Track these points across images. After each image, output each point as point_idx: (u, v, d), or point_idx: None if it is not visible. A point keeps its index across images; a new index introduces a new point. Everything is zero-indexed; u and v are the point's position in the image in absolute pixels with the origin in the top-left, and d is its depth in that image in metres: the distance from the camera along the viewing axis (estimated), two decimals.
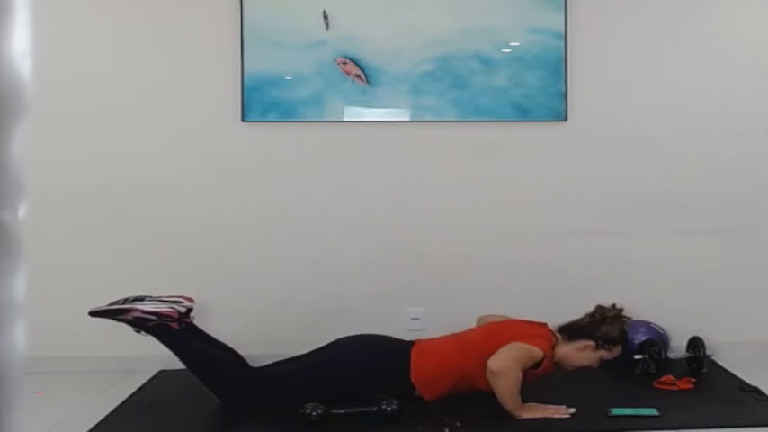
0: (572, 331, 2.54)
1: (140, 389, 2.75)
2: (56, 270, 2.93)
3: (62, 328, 2.66)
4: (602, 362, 2.54)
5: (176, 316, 2.48)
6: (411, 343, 2.56)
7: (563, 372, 2.56)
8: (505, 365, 2.33)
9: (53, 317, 2.68)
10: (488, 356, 2.38)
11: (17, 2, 0.58)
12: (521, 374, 2.35)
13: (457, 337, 2.58)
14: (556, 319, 3.20)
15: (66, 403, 2.59)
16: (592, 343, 2.50)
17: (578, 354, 2.51)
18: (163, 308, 2.47)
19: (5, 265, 0.57)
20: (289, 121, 3.10)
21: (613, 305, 2.58)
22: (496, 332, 2.53)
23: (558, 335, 2.55)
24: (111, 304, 2.46)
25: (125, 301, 2.48)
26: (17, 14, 0.58)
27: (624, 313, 2.57)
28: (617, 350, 2.55)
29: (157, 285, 2.88)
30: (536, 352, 2.39)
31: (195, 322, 2.61)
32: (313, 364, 2.51)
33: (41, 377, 2.71)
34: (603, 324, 2.52)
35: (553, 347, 2.50)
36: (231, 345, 2.66)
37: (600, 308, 2.58)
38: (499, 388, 2.35)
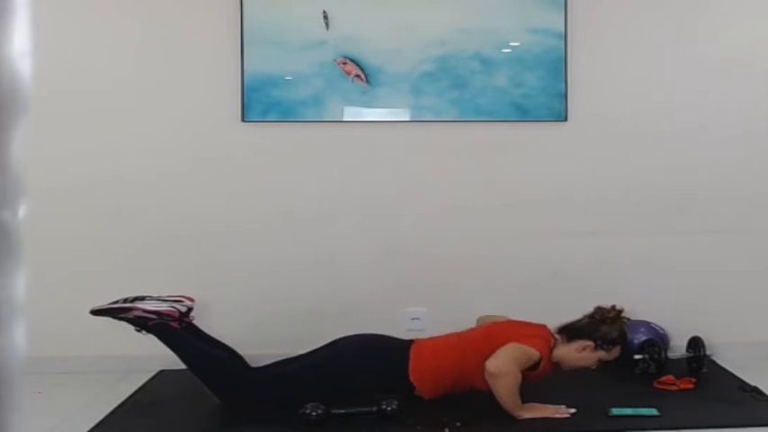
0: (571, 332, 2.54)
1: (140, 389, 2.75)
2: (56, 270, 2.93)
3: (62, 328, 2.67)
4: (601, 363, 2.54)
5: (177, 315, 2.49)
6: (410, 342, 2.56)
7: (561, 372, 2.56)
8: (504, 367, 2.33)
9: (53, 317, 2.68)
10: (487, 357, 2.38)
11: (17, 2, 0.58)
12: (519, 375, 2.36)
13: (457, 336, 2.58)
14: (556, 319, 3.19)
15: (66, 403, 2.60)
16: (591, 344, 2.50)
17: (577, 354, 2.51)
18: (164, 307, 2.48)
19: (5, 265, 0.57)
20: (289, 121, 3.10)
21: (613, 306, 2.58)
22: (496, 332, 2.53)
23: (556, 336, 2.55)
24: (112, 303, 2.48)
25: (126, 300, 2.49)
26: (17, 14, 0.58)
27: (624, 314, 2.57)
28: (616, 351, 2.54)
29: (157, 285, 2.88)
30: (533, 353, 2.39)
31: (196, 322, 2.61)
32: (312, 365, 2.51)
33: (41, 377, 2.71)
34: (603, 324, 2.52)
35: (551, 349, 2.49)
36: (231, 344, 2.66)
37: (599, 309, 2.58)
38: (498, 389, 2.35)
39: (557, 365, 2.52)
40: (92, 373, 2.91)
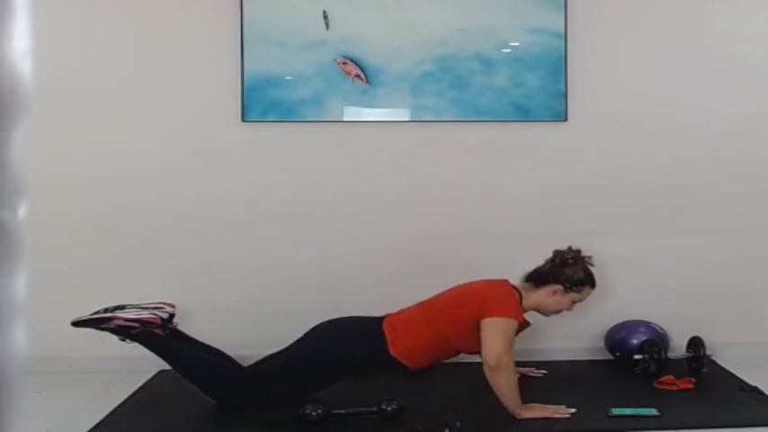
0: (538, 278, 2.60)
1: (140, 389, 2.75)
2: (55, 270, 2.93)
3: (62, 328, 2.65)
4: (574, 304, 2.61)
5: (159, 322, 2.49)
6: (381, 318, 2.57)
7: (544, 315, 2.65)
8: (504, 357, 2.35)
9: (53, 317, 2.68)
10: (455, 321, 2.46)
11: (17, 2, 0.58)
12: (514, 364, 2.38)
13: (422, 305, 2.59)
14: (557, 320, 3.19)
15: (66, 403, 2.60)
16: (560, 287, 2.56)
17: (549, 300, 2.58)
18: (144, 315, 2.48)
19: (5, 265, 0.57)
20: (289, 121, 3.10)
21: (570, 247, 2.63)
22: (459, 297, 2.55)
23: (522, 285, 2.61)
24: (92, 314, 2.48)
25: (106, 310, 2.49)
26: (17, 14, 0.58)
27: (584, 254, 2.62)
28: (587, 291, 2.61)
29: (157, 285, 2.89)
30: (513, 323, 2.42)
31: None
32: (297, 355, 2.52)
33: (41, 377, 2.71)
34: (566, 267, 2.58)
35: (520, 302, 2.54)
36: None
37: (558, 252, 2.63)
38: (499, 383, 2.35)
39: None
40: (92, 373, 2.91)
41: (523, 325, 2.55)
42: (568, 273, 2.57)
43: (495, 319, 2.41)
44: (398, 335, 2.49)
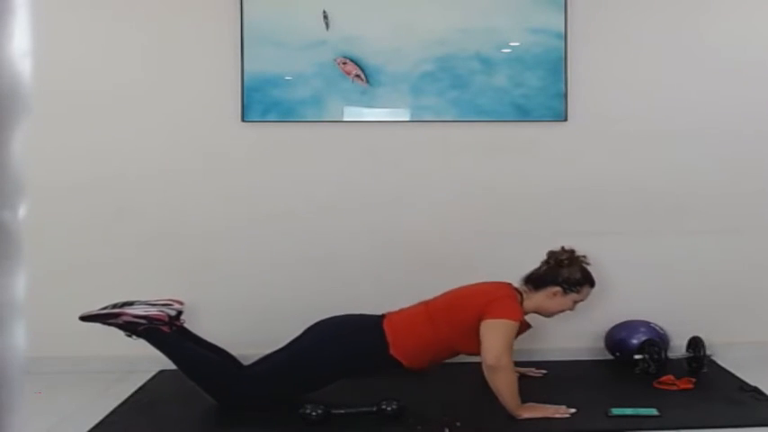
0: (535, 281, 2.59)
1: (140, 389, 2.75)
2: (56, 270, 2.93)
3: (62, 328, 2.66)
4: (576, 304, 2.61)
5: (166, 319, 2.49)
6: (381, 317, 2.56)
7: (545, 317, 2.64)
8: (504, 358, 2.34)
9: (53, 317, 2.68)
10: (458, 322, 2.45)
11: (17, 2, 0.58)
12: (513, 365, 2.39)
13: (425, 305, 2.58)
14: (556, 321, 3.19)
15: (66, 403, 2.60)
16: (558, 288, 2.56)
17: (550, 302, 2.57)
18: (152, 311, 2.48)
19: (5, 265, 0.57)
20: (289, 121, 3.10)
21: (562, 248, 2.62)
22: (462, 298, 2.55)
23: (523, 288, 2.60)
24: (101, 309, 2.48)
25: (115, 305, 2.49)
26: (17, 14, 0.58)
27: (578, 254, 2.61)
28: (586, 290, 2.61)
29: (157, 285, 2.89)
30: (513, 326, 2.42)
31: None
32: (293, 355, 2.51)
33: (41, 377, 2.71)
34: (562, 268, 2.57)
35: (521, 303, 2.53)
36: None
37: (552, 253, 2.63)
38: (498, 384, 2.35)
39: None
40: (92, 373, 2.91)
41: (524, 327, 2.55)
42: (565, 274, 2.56)
43: (496, 320, 2.41)
44: (399, 334, 2.49)
